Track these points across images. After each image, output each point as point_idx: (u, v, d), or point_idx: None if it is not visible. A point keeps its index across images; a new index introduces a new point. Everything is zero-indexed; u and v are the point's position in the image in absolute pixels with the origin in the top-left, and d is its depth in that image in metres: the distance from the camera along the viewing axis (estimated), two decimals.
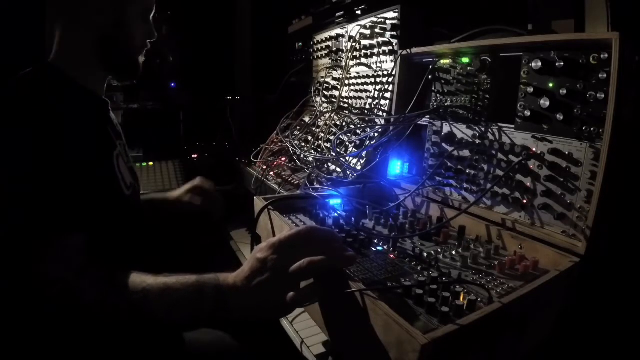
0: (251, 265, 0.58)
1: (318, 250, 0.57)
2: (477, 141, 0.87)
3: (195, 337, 0.89)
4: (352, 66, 1.31)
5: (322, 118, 1.36)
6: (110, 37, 0.78)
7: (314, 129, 1.34)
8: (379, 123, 1.14)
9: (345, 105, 1.29)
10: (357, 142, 1.13)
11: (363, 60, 1.26)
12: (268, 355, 0.88)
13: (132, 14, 0.80)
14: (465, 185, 0.89)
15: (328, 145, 1.19)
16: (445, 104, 0.95)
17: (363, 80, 1.27)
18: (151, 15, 0.86)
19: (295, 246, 0.58)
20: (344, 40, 1.40)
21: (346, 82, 1.33)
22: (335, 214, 0.92)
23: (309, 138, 1.32)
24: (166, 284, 0.58)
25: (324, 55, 1.55)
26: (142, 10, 0.83)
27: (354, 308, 0.55)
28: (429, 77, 0.99)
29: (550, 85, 0.72)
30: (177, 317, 0.58)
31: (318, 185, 1.05)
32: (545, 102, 0.72)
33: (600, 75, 0.64)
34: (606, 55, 0.63)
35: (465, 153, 0.90)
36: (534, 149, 0.75)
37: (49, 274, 0.58)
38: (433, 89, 0.99)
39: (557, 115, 0.70)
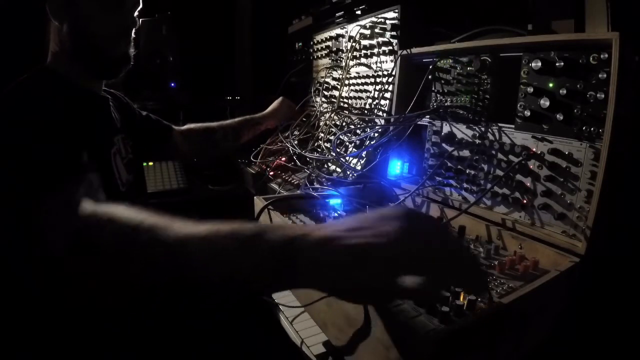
0: (365, 220, 0.41)
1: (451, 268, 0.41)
2: (477, 141, 0.87)
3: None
4: (352, 66, 1.31)
5: (322, 118, 1.36)
6: (74, 33, 0.77)
7: (314, 129, 1.34)
8: (379, 123, 1.14)
9: (345, 105, 1.29)
10: (357, 142, 1.13)
11: (363, 60, 1.26)
12: (268, 355, 0.88)
13: (87, 6, 0.76)
14: (465, 185, 0.89)
15: (328, 145, 1.19)
16: (445, 104, 0.95)
17: (363, 80, 1.27)
18: (121, 3, 0.80)
19: (431, 245, 0.40)
20: (344, 40, 1.40)
21: (346, 82, 1.33)
22: (335, 214, 0.92)
23: (309, 138, 1.32)
24: (210, 230, 0.43)
25: (324, 55, 1.54)
26: (100, 2, 0.77)
27: (354, 308, 0.55)
28: (429, 77, 0.99)
29: (550, 85, 0.72)
30: (222, 274, 0.41)
31: (318, 185, 1.05)
32: (545, 102, 0.72)
33: (600, 75, 0.64)
34: (606, 55, 0.63)
35: (465, 153, 0.90)
36: (534, 149, 0.75)
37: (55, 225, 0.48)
38: (433, 89, 0.99)
39: (557, 115, 0.70)
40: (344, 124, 1.26)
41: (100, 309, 0.50)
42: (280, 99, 1.50)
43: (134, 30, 0.84)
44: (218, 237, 0.42)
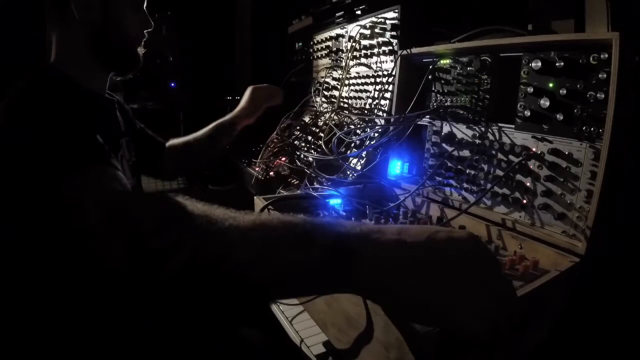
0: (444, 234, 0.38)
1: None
2: (477, 141, 0.87)
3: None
4: (352, 66, 1.31)
5: (322, 118, 1.36)
6: (102, 33, 0.77)
7: (314, 129, 1.34)
8: (379, 123, 1.14)
9: (345, 105, 1.29)
10: (357, 142, 1.13)
11: (363, 60, 1.26)
12: (267, 355, 0.88)
13: (120, 6, 0.79)
14: (465, 185, 0.89)
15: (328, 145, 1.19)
16: (445, 104, 0.95)
17: (363, 80, 1.27)
18: (144, 4, 0.85)
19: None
20: (344, 40, 1.40)
21: (346, 82, 1.33)
22: (335, 214, 0.92)
23: (309, 138, 1.32)
24: (260, 219, 0.40)
25: (324, 55, 1.55)
26: (131, 1, 0.81)
27: (354, 307, 0.55)
28: (429, 77, 0.99)
29: (550, 85, 0.72)
30: (275, 268, 0.37)
31: (318, 185, 1.05)
32: (545, 102, 0.72)
33: (600, 75, 0.64)
34: (606, 55, 0.63)
35: (465, 153, 0.90)
36: (534, 149, 0.75)
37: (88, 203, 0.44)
38: (433, 89, 0.99)
39: (557, 115, 0.70)
40: (344, 124, 1.26)
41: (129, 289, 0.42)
42: (249, 90, 1.34)
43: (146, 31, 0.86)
44: (269, 228, 0.38)
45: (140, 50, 0.86)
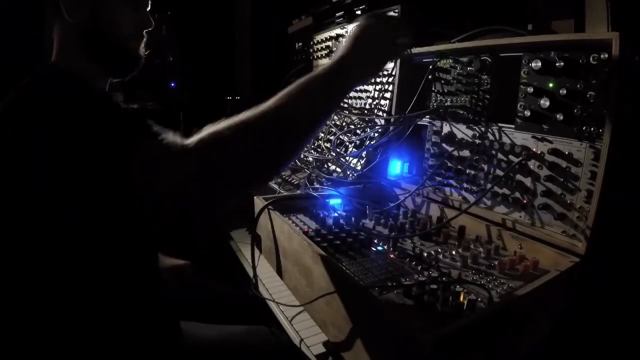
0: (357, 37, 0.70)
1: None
2: (477, 141, 0.87)
3: (199, 332, 0.89)
4: None
5: None
6: (93, 33, 0.75)
7: None
8: (379, 123, 1.14)
9: (345, 105, 1.29)
10: (357, 142, 1.13)
11: None
12: (267, 355, 0.88)
13: (112, 5, 0.76)
14: (465, 185, 0.89)
15: (328, 145, 1.19)
16: (445, 104, 0.95)
17: None
18: (144, 3, 0.81)
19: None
20: (344, 40, 1.40)
21: None
22: (336, 214, 0.92)
23: None
24: (297, 84, 0.64)
25: (324, 55, 1.54)
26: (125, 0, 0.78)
27: (354, 307, 0.55)
28: (429, 77, 0.99)
29: (550, 85, 0.72)
30: (320, 105, 0.65)
31: (318, 185, 1.05)
32: (545, 102, 0.72)
33: (600, 75, 0.64)
34: (606, 55, 0.63)
35: (465, 153, 0.90)
36: (534, 149, 0.75)
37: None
38: (433, 89, 0.99)
39: (557, 115, 0.70)
40: (343, 124, 1.26)
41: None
42: None
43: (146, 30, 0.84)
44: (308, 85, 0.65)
45: (142, 51, 0.85)
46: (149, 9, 0.85)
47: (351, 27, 0.72)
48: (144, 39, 0.85)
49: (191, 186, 0.56)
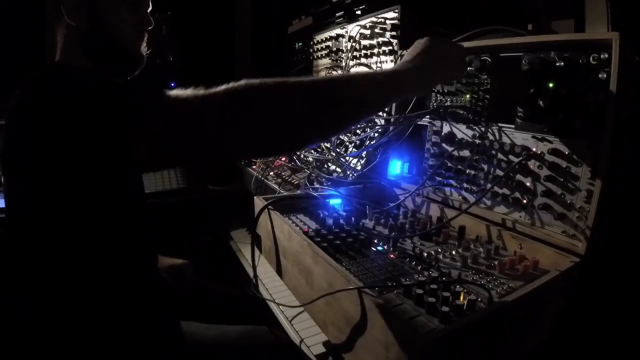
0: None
1: None
2: (477, 141, 0.87)
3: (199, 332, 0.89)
4: (352, 66, 1.31)
5: None
6: (92, 34, 0.75)
7: None
8: (379, 123, 1.14)
9: None
10: (357, 142, 1.13)
11: (363, 60, 1.26)
12: (267, 355, 0.88)
13: (109, 5, 0.76)
14: (465, 185, 0.89)
15: (328, 145, 1.19)
16: (445, 104, 0.95)
17: None
18: (142, 3, 0.81)
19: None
20: (344, 40, 1.40)
21: None
22: (336, 214, 0.92)
23: None
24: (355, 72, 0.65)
25: (324, 55, 1.55)
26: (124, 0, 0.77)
27: (354, 307, 0.55)
28: None
29: (550, 85, 0.72)
30: (371, 96, 0.62)
31: (318, 185, 1.05)
32: (545, 102, 0.72)
33: (600, 75, 0.64)
34: (606, 55, 0.63)
35: (465, 153, 0.90)
36: (534, 149, 0.75)
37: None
38: (433, 89, 0.99)
39: (557, 115, 0.70)
40: None
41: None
42: None
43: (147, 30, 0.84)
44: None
45: (144, 50, 0.84)
46: (150, 9, 0.84)
47: (419, 42, 0.70)
48: (145, 38, 0.84)
49: (204, 134, 0.55)
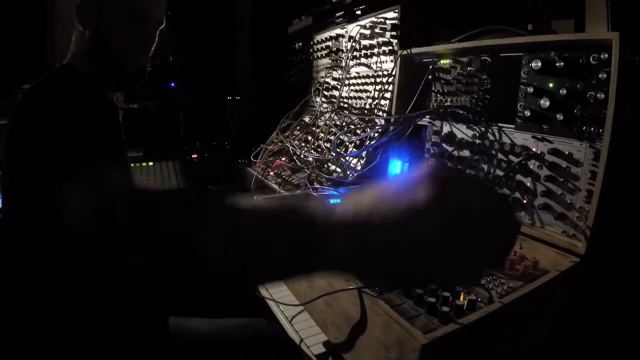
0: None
1: None
2: (477, 141, 0.87)
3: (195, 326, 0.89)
4: (352, 66, 1.31)
5: (322, 118, 1.35)
6: (97, 46, 0.76)
7: (314, 129, 1.34)
8: (379, 123, 1.14)
9: (345, 105, 1.29)
10: (357, 142, 1.13)
11: (363, 60, 1.26)
12: (264, 347, 0.88)
13: (113, 19, 0.75)
14: None
15: (328, 145, 1.19)
16: (445, 104, 0.95)
17: (363, 80, 1.27)
18: (146, 18, 0.80)
19: None
20: (344, 40, 1.40)
21: (346, 82, 1.33)
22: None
23: (309, 138, 1.32)
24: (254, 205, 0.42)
25: (324, 55, 1.54)
26: (124, 12, 0.76)
27: (354, 307, 0.55)
28: (429, 77, 0.99)
29: (550, 85, 0.72)
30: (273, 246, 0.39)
31: (318, 185, 1.05)
32: (545, 102, 0.72)
33: (600, 75, 0.64)
34: (606, 55, 0.63)
35: (465, 153, 0.90)
36: (534, 149, 0.75)
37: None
38: (433, 89, 0.99)
39: (557, 115, 0.70)
40: (344, 124, 1.26)
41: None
42: None
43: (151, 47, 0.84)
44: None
45: (145, 65, 0.82)
46: (162, 26, 0.84)
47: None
48: (149, 55, 0.83)
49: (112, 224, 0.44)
